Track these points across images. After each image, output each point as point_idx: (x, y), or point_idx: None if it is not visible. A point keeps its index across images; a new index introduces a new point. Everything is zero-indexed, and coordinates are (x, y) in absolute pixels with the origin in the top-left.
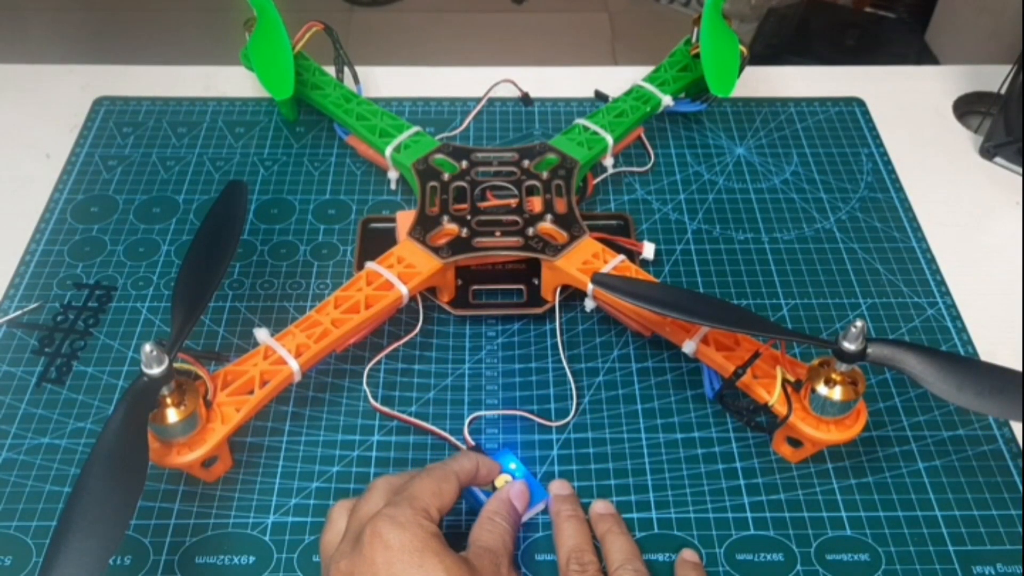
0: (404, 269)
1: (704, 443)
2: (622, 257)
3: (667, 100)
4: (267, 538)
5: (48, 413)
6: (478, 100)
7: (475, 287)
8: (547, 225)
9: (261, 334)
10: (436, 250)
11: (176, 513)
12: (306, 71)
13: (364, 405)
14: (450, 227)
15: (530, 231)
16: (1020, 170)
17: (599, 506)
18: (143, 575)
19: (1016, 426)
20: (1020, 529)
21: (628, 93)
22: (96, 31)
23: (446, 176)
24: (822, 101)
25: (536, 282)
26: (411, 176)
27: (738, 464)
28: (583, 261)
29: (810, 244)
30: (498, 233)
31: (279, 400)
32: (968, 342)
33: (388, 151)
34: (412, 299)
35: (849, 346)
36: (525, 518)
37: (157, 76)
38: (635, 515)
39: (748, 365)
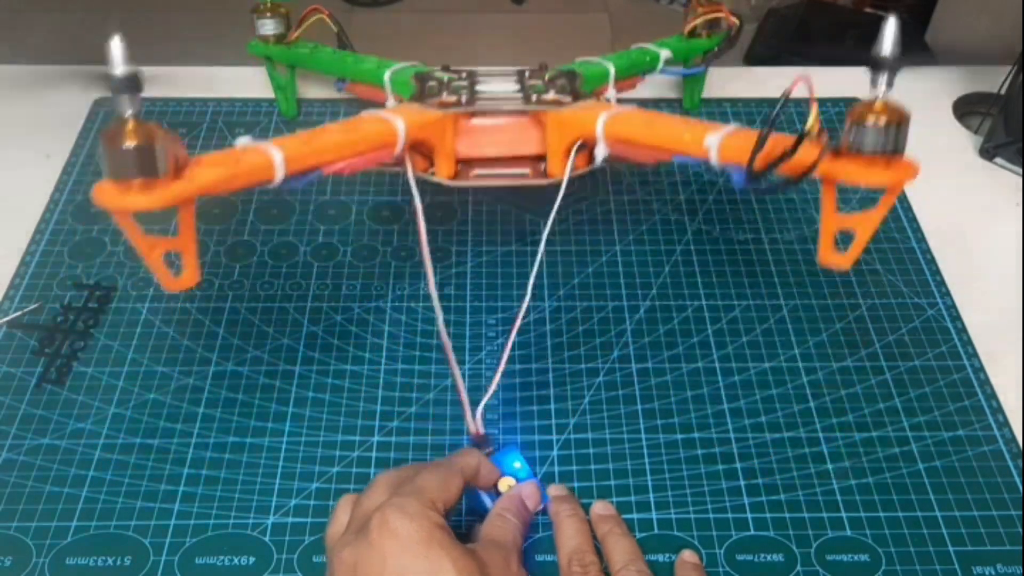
0: (402, 115)
1: (704, 443)
2: (633, 106)
3: (666, 53)
4: (267, 538)
5: (48, 414)
6: None
7: (478, 171)
8: (551, 95)
9: (243, 140)
10: (435, 107)
11: (176, 513)
12: (302, 47)
13: (364, 405)
14: (449, 99)
15: (534, 98)
16: (1020, 170)
17: (599, 507)
18: (143, 575)
19: (1016, 426)
20: (1020, 529)
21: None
22: (96, 31)
23: (446, 79)
24: (822, 101)
25: (542, 167)
26: (410, 87)
27: (738, 464)
28: (592, 108)
29: (810, 244)
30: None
31: (279, 400)
32: (968, 342)
33: (387, 74)
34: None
35: (887, 49)
36: None
37: (157, 76)
38: (635, 516)
39: (771, 125)
